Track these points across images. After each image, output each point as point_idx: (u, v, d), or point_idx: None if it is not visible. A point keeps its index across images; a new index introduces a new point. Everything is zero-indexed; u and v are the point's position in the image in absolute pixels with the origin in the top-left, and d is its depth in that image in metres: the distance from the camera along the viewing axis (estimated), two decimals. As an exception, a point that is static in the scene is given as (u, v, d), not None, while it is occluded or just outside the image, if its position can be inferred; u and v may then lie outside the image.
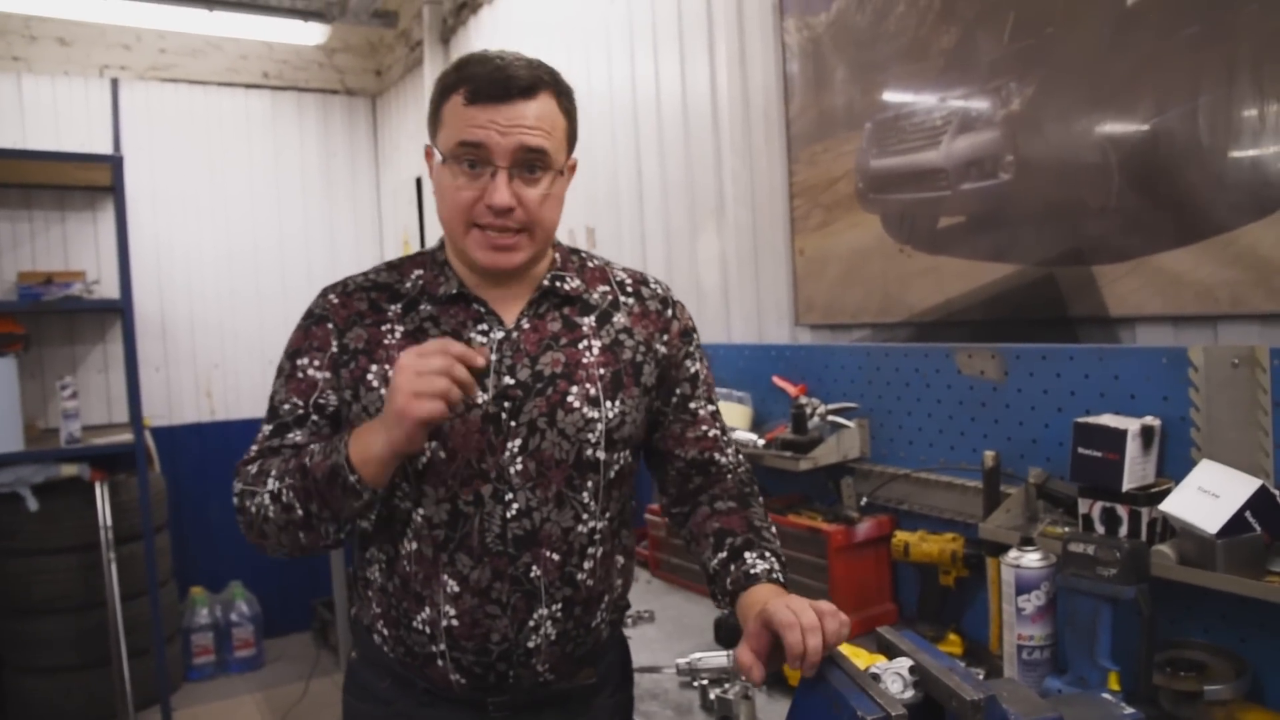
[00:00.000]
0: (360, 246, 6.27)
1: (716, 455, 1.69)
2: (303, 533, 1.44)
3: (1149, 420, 1.82)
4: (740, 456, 1.74)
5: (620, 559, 1.64)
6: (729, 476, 1.69)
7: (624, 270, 1.70)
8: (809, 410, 2.57)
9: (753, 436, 2.71)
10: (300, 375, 1.53)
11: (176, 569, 5.29)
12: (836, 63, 2.64)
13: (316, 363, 1.53)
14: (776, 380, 2.79)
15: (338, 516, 1.43)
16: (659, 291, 1.68)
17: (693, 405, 1.68)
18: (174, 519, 5.30)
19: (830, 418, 2.55)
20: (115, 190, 4.62)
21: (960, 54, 2.27)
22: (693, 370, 1.69)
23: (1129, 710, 1.41)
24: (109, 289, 5.21)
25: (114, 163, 4.67)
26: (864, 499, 2.47)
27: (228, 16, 5.08)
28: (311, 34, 5.48)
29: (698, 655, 2.18)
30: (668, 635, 2.52)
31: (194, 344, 5.85)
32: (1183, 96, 1.82)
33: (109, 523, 4.55)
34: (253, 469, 1.51)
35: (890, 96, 2.48)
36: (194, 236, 5.84)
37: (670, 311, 1.67)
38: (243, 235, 5.99)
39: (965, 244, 2.30)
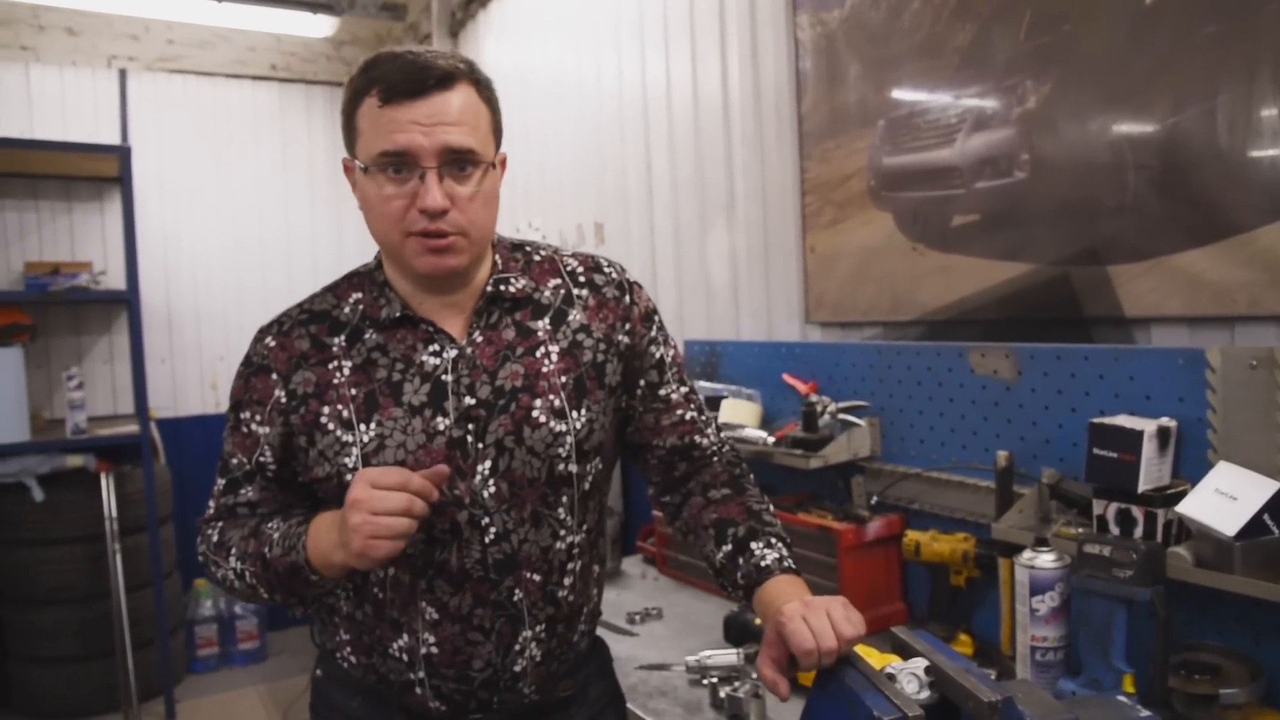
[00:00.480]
0: (365, 239, 6.06)
1: (697, 438, 1.63)
2: (271, 602, 1.49)
3: (1165, 421, 1.81)
4: (723, 435, 1.69)
5: (595, 568, 1.60)
6: (715, 460, 1.64)
7: (574, 257, 1.59)
8: (819, 408, 2.56)
9: (762, 434, 2.70)
10: (245, 430, 1.48)
11: (181, 561, 5.29)
12: (850, 59, 2.63)
13: (258, 418, 1.47)
14: (786, 378, 2.78)
15: (303, 600, 1.49)
16: (614, 276, 1.59)
17: (663, 391, 1.61)
18: (179, 511, 5.30)
19: (841, 416, 2.54)
20: (122, 181, 4.63)
21: (976, 51, 2.26)
22: (658, 355, 1.61)
23: (1144, 713, 1.41)
24: (115, 280, 5.20)
25: (121, 153, 4.68)
26: (874, 498, 2.46)
27: (236, 8, 5.08)
28: (320, 26, 5.48)
29: (707, 653, 2.17)
30: (676, 633, 2.51)
31: (200, 336, 5.85)
32: (1201, 96, 1.81)
33: (114, 514, 4.57)
34: (213, 535, 1.51)
35: (904, 94, 2.47)
36: (200, 228, 5.83)
37: (628, 298, 1.58)
38: (249, 227, 5.98)
39: (979, 242, 2.29)
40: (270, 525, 1.45)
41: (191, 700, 4.99)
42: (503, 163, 1.49)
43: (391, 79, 1.35)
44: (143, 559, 4.73)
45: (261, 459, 1.47)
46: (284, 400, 1.45)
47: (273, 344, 1.48)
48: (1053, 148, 2.09)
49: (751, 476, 1.64)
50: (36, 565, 4.59)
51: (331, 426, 1.42)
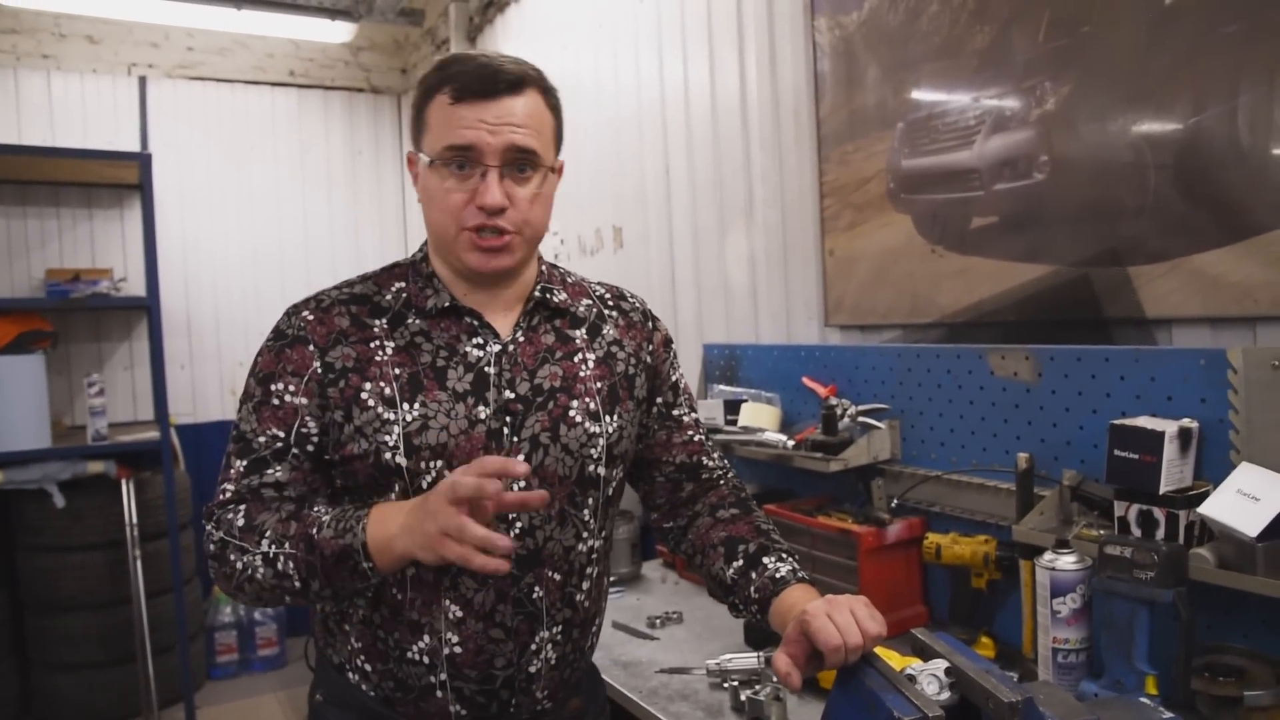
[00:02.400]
0: (385, 245, 6.29)
1: (704, 459, 1.68)
2: (290, 597, 1.38)
3: (1186, 422, 1.79)
4: (726, 461, 1.73)
5: (605, 580, 1.63)
6: (721, 483, 1.69)
7: (600, 285, 1.69)
8: (839, 411, 2.56)
9: (782, 437, 2.70)
10: (276, 402, 1.43)
11: (200, 567, 5.30)
12: (868, 62, 2.62)
13: (293, 388, 1.43)
14: (806, 381, 2.78)
15: (338, 594, 1.38)
16: (637, 304, 1.69)
17: (676, 412, 1.68)
18: (198, 517, 5.30)
19: (861, 419, 2.54)
20: (143, 188, 4.67)
21: (994, 53, 2.26)
22: (674, 378, 1.70)
23: (1167, 715, 1.40)
24: (136, 287, 5.24)
25: (142, 160, 4.72)
26: (895, 500, 2.45)
27: (255, 15, 5.12)
28: (338, 32, 5.52)
29: (728, 656, 2.17)
30: (697, 636, 2.51)
31: (219, 342, 5.87)
32: (1222, 95, 1.80)
33: (135, 520, 4.59)
34: (236, 518, 1.39)
35: (923, 96, 2.46)
36: (220, 234, 5.86)
37: (650, 324, 1.68)
38: (268, 234, 6.01)
39: (998, 244, 2.28)
40: (317, 510, 1.38)
41: (211, 706, 5.01)
42: (560, 169, 1.56)
43: (464, 79, 1.41)
44: (163, 565, 4.75)
45: (304, 430, 1.42)
46: (320, 372, 1.43)
47: (310, 317, 1.47)
48: (1072, 149, 2.09)
49: (754, 500, 1.67)
50: (58, 571, 4.61)
51: (372, 403, 1.41)
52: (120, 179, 5.22)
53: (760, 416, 2.87)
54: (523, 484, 1.41)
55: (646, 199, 3.80)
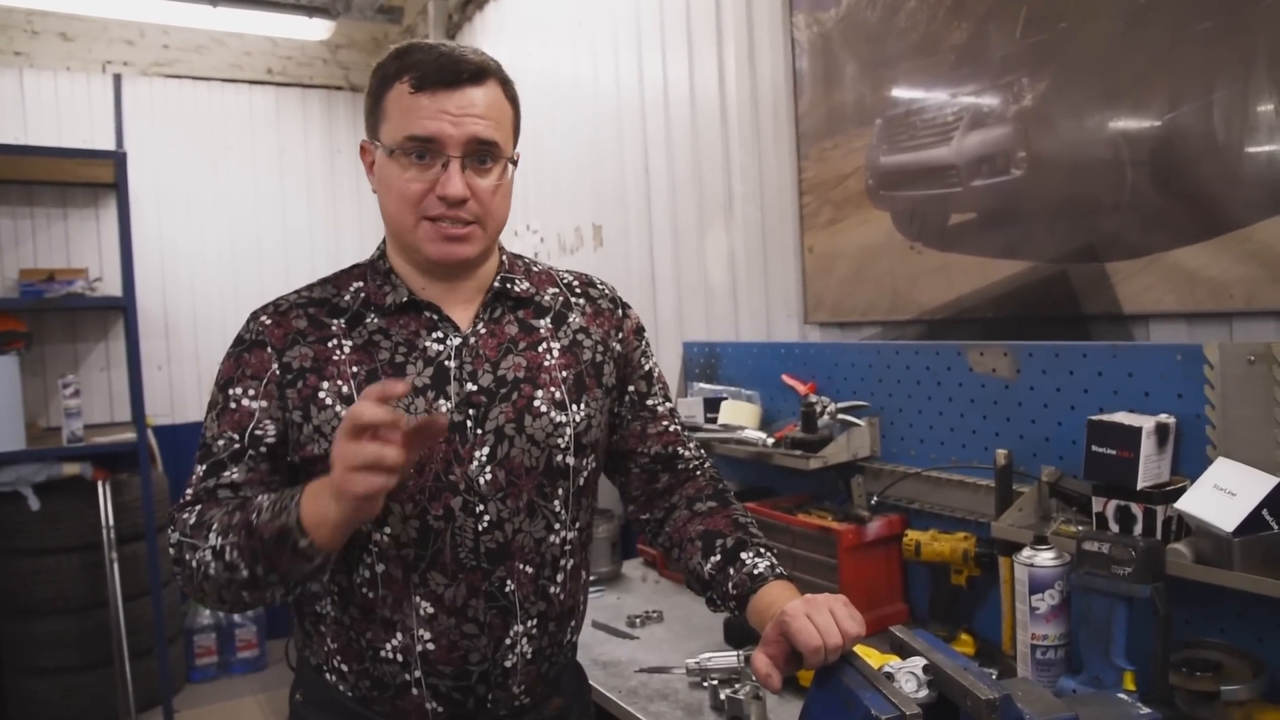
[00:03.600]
0: (364, 243, 6.24)
1: (679, 449, 1.66)
2: (247, 592, 1.34)
3: (1164, 418, 1.80)
4: (702, 451, 1.72)
5: (584, 574, 1.61)
6: (698, 474, 1.67)
7: (569, 272, 1.67)
8: (819, 408, 2.56)
9: (762, 435, 2.70)
10: (234, 406, 1.43)
11: (179, 568, 5.26)
12: (846, 59, 2.62)
13: (251, 391, 1.43)
14: (786, 378, 2.77)
15: (286, 580, 1.33)
16: (607, 291, 1.67)
17: (650, 402, 1.66)
18: (177, 518, 5.27)
19: (840, 416, 2.54)
20: (118, 187, 4.62)
21: (972, 49, 2.26)
22: (647, 367, 1.67)
23: (1145, 710, 1.40)
24: (111, 286, 5.19)
25: (117, 159, 4.67)
26: (874, 498, 2.45)
27: (232, 12, 5.07)
28: (316, 30, 5.47)
29: (707, 655, 2.17)
30: (677, 635, 2.50)
31: (197, 342, 5.82)
32: (1197, 92, 1.80)
33: (111, 522, 4.56)
34: (190, 517, 1.39)
35: (901, 93, 2.46)
36: (197, 234, 5.82)
37: (620, 311, 1.65)
38: (246, 232, 5.97)
39: (976, 241, 2.28)
40: (259, 499, 1.35)
41: (191, 710, 4.97)
42: (516, 161, 1.52)
43: (425, 67, 1.39)
44: (140, 567, 4.71)
45: (258, 432, 1.42)
46: (278, 373, 1.43)
47: (268, 322, 1.47)
48: (1049, 145, 2.09)
49: (733, 492, 1.66)
50: (33, 575, 4.57)
51: (330, 402, 1.41)
52: (95, 178, 5.17)
53: (740, 414, 2.87)
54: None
55: (626, 197, 3.79)
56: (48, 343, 5.31)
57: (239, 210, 5.95)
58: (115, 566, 4.53)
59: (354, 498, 1.17)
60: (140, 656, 4.65)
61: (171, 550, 1.41)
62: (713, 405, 2.95)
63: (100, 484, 4.56)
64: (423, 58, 1.40)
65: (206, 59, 5.84)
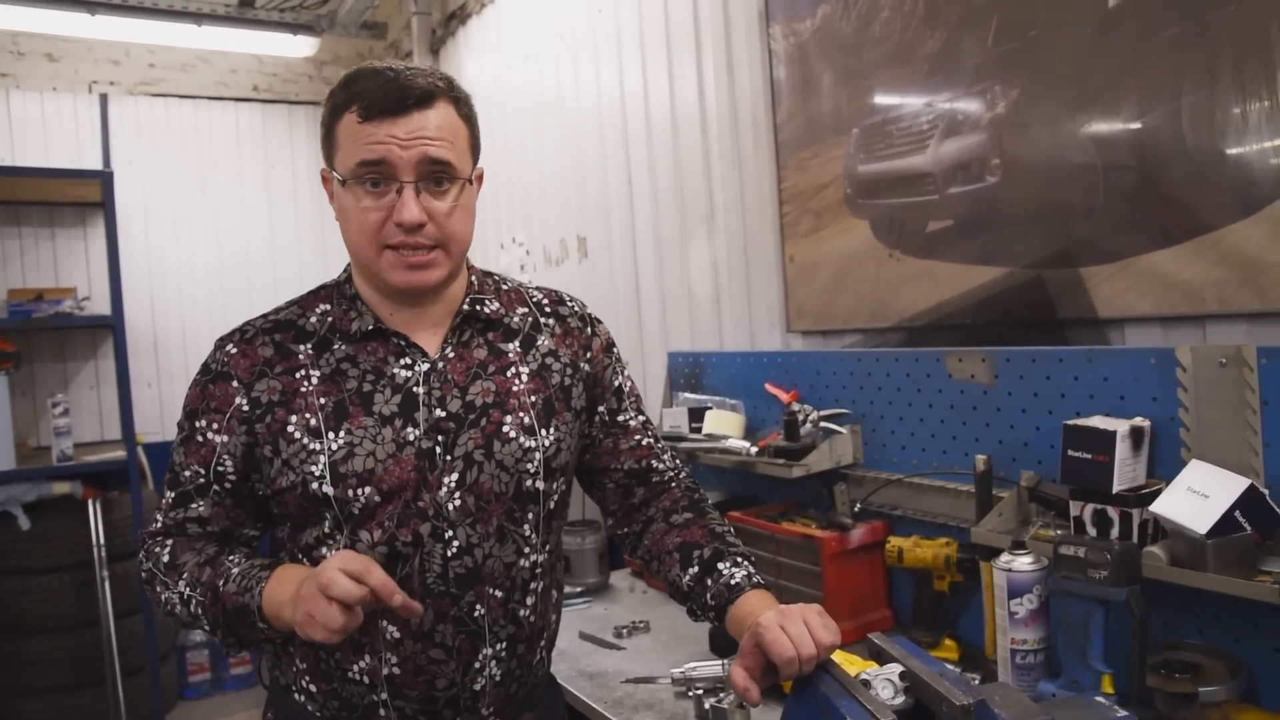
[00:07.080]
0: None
1: (654, 462, 1.66)
2: (208, 634, 1.45)
3: (1138, 421, 1.81)
4: (678, 461, 1.71)
5: (554, 593, 1.60)
6: (674, 485, 1.67)
7: (539, 290, 1.65)
8: (801, 417, 2.57)
9: (745, 444, 2.71)
10: (200, 439, 1.44)
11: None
12: (823, 69, 2.64)
13: (215, 425, 1.43)
14: (769, 387, 2.78)
15: (242, 642, 1.43)
16: (576, 309, 1.64)
17: (622, 418, 1.65)
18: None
19: (823, 424, 2.55)
20: (105, 206, 4.63)
21: (945, 58, 2.27)
22: (616, 384, 1.65)
23: (1123, 713, 1.41)
24: (100, 305, 5.19)
25: (104, 178, 4.69)
26: (857, 505, 2.46)
27: (217, 31, 5.09)
28: (301, 47, 5.49)
29: (692, 665, 2.17)
30: (663, 645, 2.51)
31: (186, 359, 5.80)
32: (1166, 97, 1.82)
33: (102, 540, 4.54)
34: (163, 553, 1.45)
35: (877, 101, 2.48)
36: (185, 251, 5.82)
37: (589, 329, 1.63)
38: (234, 249, 5.98)
39: (954, 247, 2.30)
40: (231, 559, 1.41)
41: (184, 726, 4.96)
42: (479, 178, 1.50)
43: (371, 96, 1.37)
44: (132, 585, 4.70)
45: (220, 468, 1.44)
46: (245, 408, 1.43)
47: (234, 350, 1.46)
48: (1023, 151, 2.11)
49: (710, 501, 1.66)
50: (24, 594, 4.55)
51: (298, 435, 1.41)
52: (82, 197, 5.18)
53: (724, 424, 2.87)
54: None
55: (610, 208, 3.80)
56: (37, 362, 5.31)
57: (227, 227, 5.96)
58: (106, 585, 4.51)
59: (306, 635, 1.26)
60: (133, 674, 4.64)
61: (143, 574, 1.48)
62: (697, 415, 2.96)
63: (91, 502, 4.55)
64: (369, 84, 1.37)
65: (192, 77, 5.85)
